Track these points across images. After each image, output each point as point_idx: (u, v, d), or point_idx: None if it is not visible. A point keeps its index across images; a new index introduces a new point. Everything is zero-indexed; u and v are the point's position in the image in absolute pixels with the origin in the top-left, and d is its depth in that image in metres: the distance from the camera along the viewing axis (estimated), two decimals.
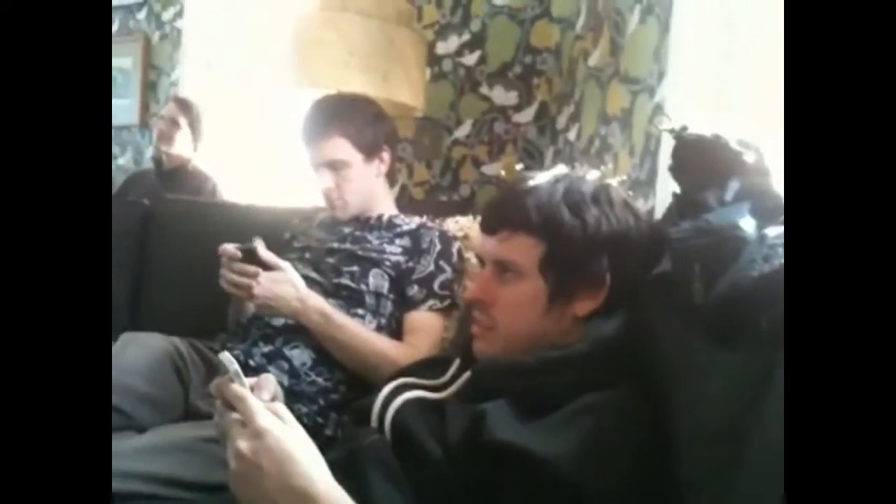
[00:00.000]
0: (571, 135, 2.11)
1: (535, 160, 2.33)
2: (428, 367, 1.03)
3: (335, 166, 1.56)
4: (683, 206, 0.92)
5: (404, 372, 1.04)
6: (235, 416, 0.73)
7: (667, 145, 1.52)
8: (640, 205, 1.11)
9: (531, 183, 0.94)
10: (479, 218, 1.73)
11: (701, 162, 0.95)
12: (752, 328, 0.65)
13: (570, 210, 0.90)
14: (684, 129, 0.99)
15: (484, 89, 2.43)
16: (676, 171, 0.98)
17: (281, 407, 0.76)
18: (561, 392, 0.81)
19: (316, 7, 2.15)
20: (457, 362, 0.99)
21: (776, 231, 0.70)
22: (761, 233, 0.71)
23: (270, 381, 0.80)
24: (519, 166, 2.02)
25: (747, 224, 0.73)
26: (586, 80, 2.03)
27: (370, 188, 1.61)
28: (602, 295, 0.91)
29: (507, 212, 0.93)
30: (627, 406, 0.80)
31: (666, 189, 1.50)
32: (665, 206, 1.35)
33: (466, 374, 0.93)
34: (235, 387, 0.76)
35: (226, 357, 0.79)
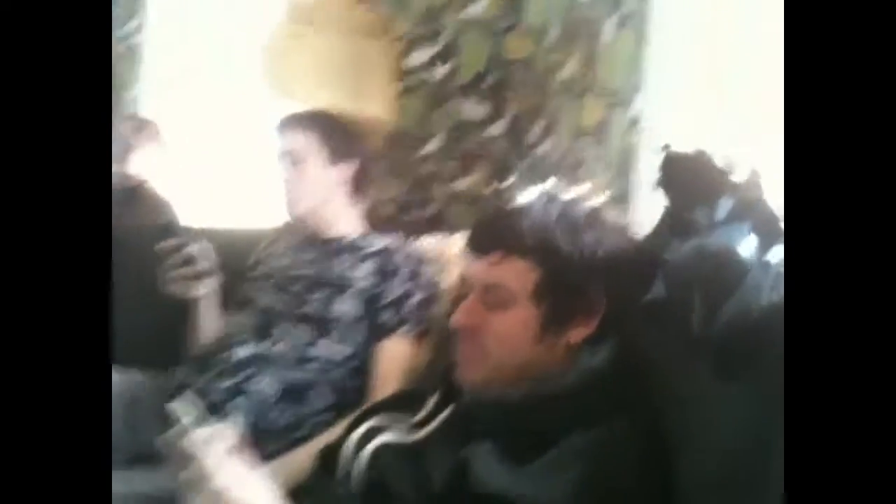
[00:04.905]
0: (544, 148, 2.06)
1: (507, 175, 2.27)
2: (401, 403, 0.96)
3: (294, 158, 1.52)
4: (674, 224, 0.86)
5: (375, 409, 0.96)
6: (191, 473, 0.67)
7: (644, 160, 1.48)
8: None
9: (521, 202, 0.88)
10: (451, 236, 1.69)
11: (687, 179, 0.90)
12: (761, 360, 0.59)
13: (566, 233, 0.85)
14: (669, 144, 0.95)
15: (455, 102, 2.36)
16: (664, 187, 0.93)
17: (240, 460, 0.70)
18: (552, 430, 0.76)
19: (283, 20, 2.09)
20: (434, 397, 0.92)
21: (779, 256, 0.64)
22: (764, 258, 0.65)
23: (229, 432, 0.74)
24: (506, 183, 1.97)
25: (747, 248, 0.68)
26: (560, 92, 1.98)
27: (328, 194, 1.55)
28: (596, 321, 0.85)
29: (499, 233, 0.87)
30: (625, 443, 0.75)
31: (643, 205, 1.46)
32: (642, 222, 1.30)
33: (446, 411, 0.86)
34: (189, 443, 0.69)
35: (177, 407, 0.71)
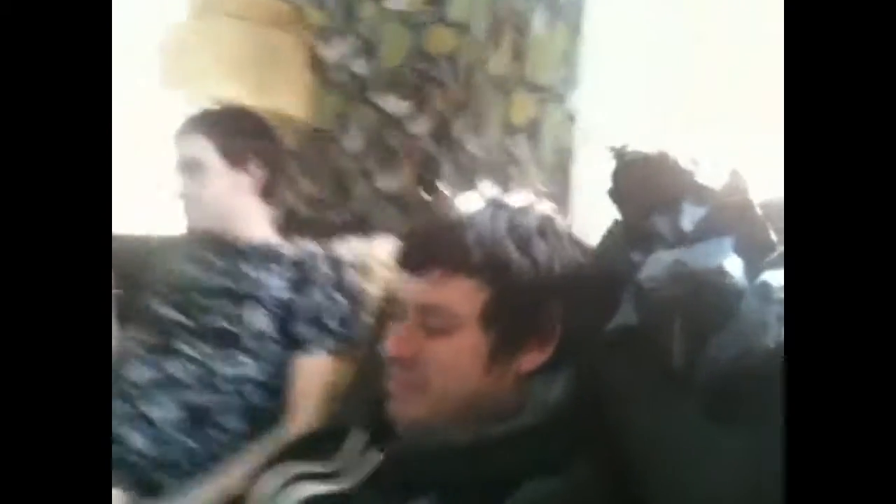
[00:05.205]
0: (472, 146, 1.97)
1: (433, 173, 2.16)
2: (321, 444, 0.83)
3: (191, 167, 1.36)
4: (633, 235, 0.77)
5: (290, 453, 0.83)
6: None
7: (582, 160, 1.40)
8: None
9: (462, 210, 0.76)
10: (375, 239, 1.57)
11: (645, 184, 0.81)
12: (762, 403, 0.50)
13: (518, 247, 0.74)
14: (625, 147, 0.86)
15: (375, 98, 2.24)
16: (617, 195, 0.84)
17: None
18: (505, 479, 0.65)
19: (184, 10, 1.95)
20: (361, 435, 0.79)
21: (779, 279, 0.55)
22: (761, 281, 0.56)
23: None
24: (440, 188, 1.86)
25: (733, 266, 0.59)
26: (487, 88, 1.90)
27: (231, 204, 1.39)
28: (552, 346, 0.75)
29: (440, 248, 0.75)
30: (591, 493, 0.65)
31: (582, 206, 1.38)
32: (582, 228, 1.20)
33: (378, 453, 0.74)
34: None
35: None
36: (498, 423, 0.70)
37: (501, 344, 0.74)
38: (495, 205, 0.78)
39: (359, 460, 0.75)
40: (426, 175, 2.11)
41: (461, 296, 0.74)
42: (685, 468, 0.59)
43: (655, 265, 0.66)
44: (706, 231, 0.66)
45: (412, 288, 0.76)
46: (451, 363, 0.74)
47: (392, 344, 0.75)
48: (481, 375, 0.74)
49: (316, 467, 0.77)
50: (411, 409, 0.75)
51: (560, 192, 1.41)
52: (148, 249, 1.55)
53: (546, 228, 0.78)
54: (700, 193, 0.75)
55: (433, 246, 0.76)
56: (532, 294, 0.74)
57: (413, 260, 0.77)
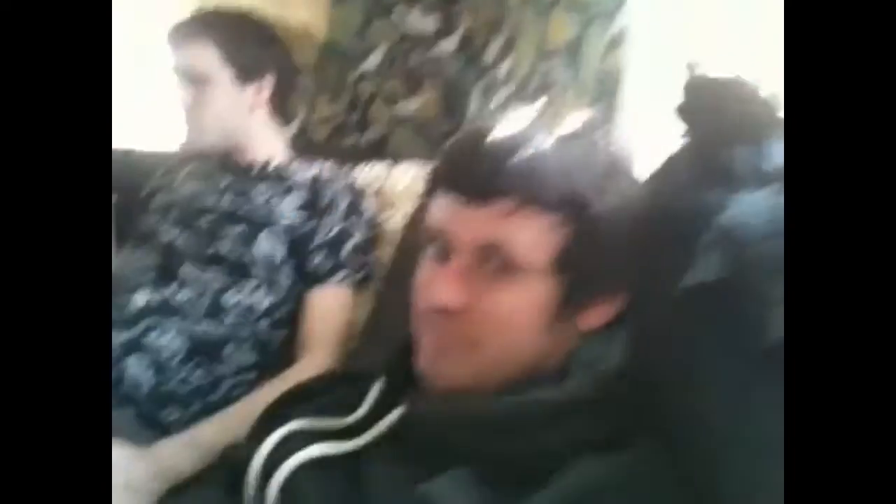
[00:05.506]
0: (503, 70, 1.83)
1: (460, 98, 2.03)
2: (333, 391, 0.74)
3: (196, 78, 1.24)
4: (706, 169, 0.66)
5: (296, 400, 0.74)
6: None
7: (630, 87, 1.28)
8: None
9: (524, 134, 0.64)
10: (395, 166, 1.46)
11: (720, 110, 0.70)
12: None
13: (599, 181, 0.63)
14: (695, 64, 0.74)
15: (398, 13, 2.09)
16: (688, 115, 0.73)
17: None
18: (550, 454, 0.56)
19: None
20: (380, 386, 0.70)
21: None
22: None
23: None
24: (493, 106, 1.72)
25: None
26: (521, 5, 1.75)
27: (240, 121, 1.28)
28: (620, 300, 0.65)
29: (511, 174, 0.61)
30: (652, 479, 0.55)
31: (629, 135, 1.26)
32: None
33: (397, 412, 0.64)
34: None
35: None
36: (545, 387, 0.60)
37: (571, 295, 0.62)
38: (552, 132, 0.66)
39: (375, 418, 0.66)
40: (452, 99, 1.98)
41: (533, 235, 0.61)
42: (763, 464, 0.49)
43: (746, 210, 0.55)
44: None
45: (467, 220, 0.62)
46: (511, 316, 0.62)
47: (436, 289, 0.62)
48: (545, 330, 0.62)
49: (326, 422, 0.68)
50: (453, 371, 0.63)
51: (605, 122, 1.30)
52: (149, 165, 1.45)
53: (616, 162, 0.66)
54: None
55: (502, 171, 0.61)
56: (607, 237, 0.62)
57: (471, 185, 0.63)
